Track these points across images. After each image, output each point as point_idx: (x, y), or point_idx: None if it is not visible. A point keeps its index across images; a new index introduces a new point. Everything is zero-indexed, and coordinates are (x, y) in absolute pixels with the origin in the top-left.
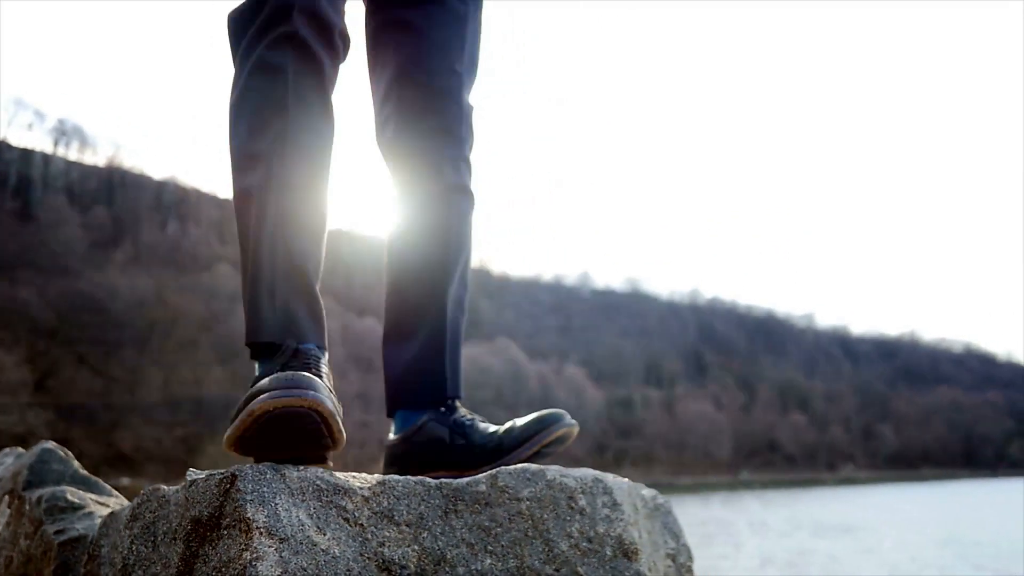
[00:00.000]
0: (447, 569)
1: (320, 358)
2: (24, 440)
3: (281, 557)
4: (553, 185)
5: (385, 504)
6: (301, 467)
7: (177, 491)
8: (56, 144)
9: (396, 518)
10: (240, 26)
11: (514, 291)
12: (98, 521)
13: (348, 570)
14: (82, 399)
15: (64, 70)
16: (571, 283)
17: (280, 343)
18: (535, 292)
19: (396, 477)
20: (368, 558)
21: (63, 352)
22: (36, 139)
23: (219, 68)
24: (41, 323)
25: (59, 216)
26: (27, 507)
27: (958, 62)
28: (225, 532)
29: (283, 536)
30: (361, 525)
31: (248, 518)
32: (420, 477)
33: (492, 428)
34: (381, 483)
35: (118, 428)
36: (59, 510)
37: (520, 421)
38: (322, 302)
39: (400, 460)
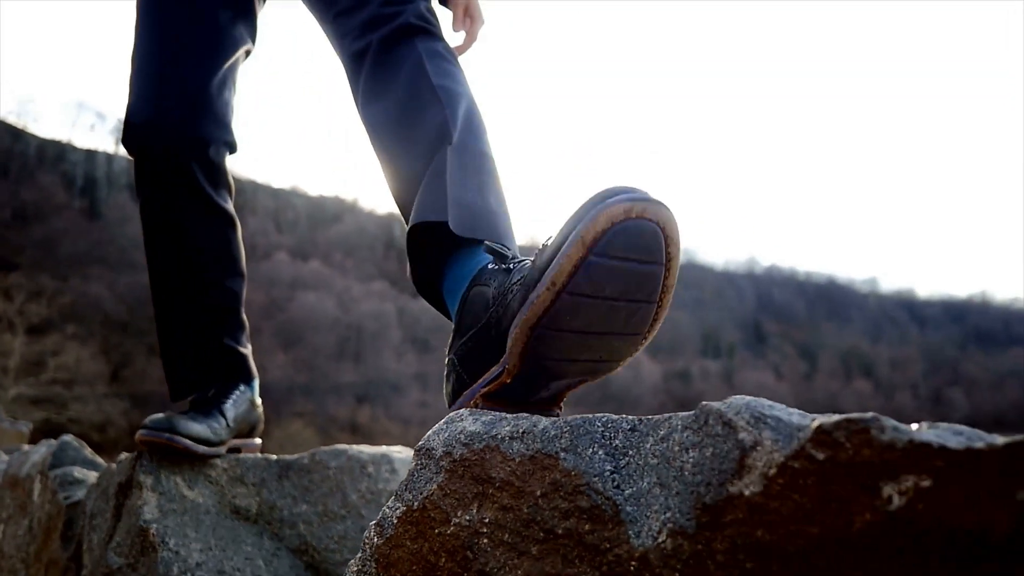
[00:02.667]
0: (277, 512)
1: (228, 395)
2: (103, 428)
3: (159, 504)
4: (603, 153)
5: (239, 472)
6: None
7: (115, 465)
8: (118, 143)
9: (246, 480)
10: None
11: None
12: None
13: (207, 511)
14: (154, 388)
15: (122, 70)
16: None
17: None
18: None
19: (248, 456)
20: (224, 505)
21: (134, 344)
22: (99, 139)
23: (267, 64)
24: (113, 316)
25: (124, 213)
26: (49, 482)
27: None
28: (133, 490)
29: (161, 491)
30: (221, 485)
31: (141, 481)
32: (264, 455)
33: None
34: (237, 460)
35: None
36: (68, 483)
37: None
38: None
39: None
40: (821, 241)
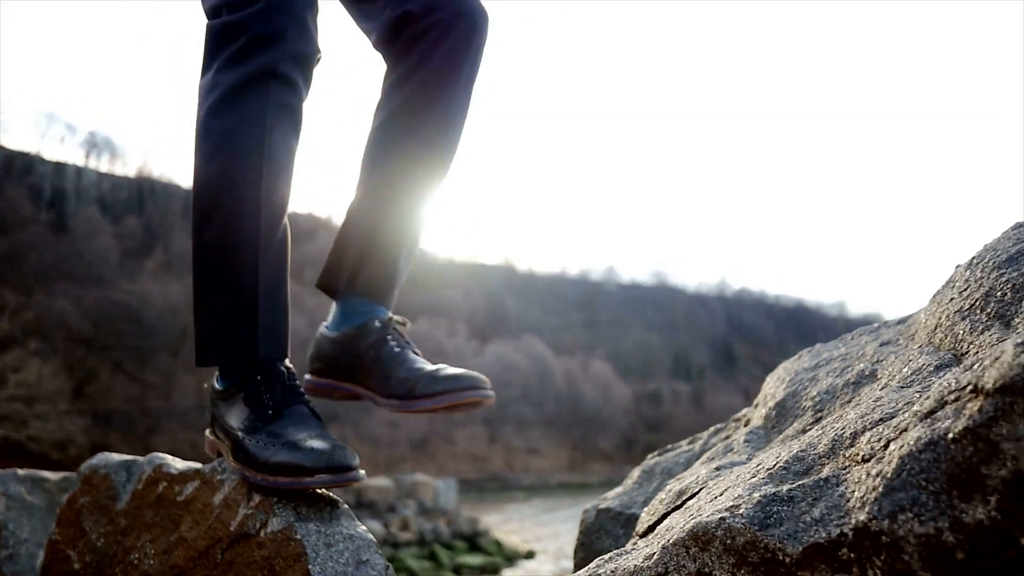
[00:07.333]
0: None
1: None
2: (64, 446)
3: (6, 503)
4: (577, 179)
5: (66, 484)
6: (33, 470)
7: None
8: (88, 156)
9: (70, 489)
10: (223, 40)
11: (539, 287)
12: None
13: (39, 508)
14: (119, 405)
15: (93, 82)
16: (597, 278)
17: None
18: (561, 287)
19: (73, 474)
20: (53, 506)
21: (99, 360)
22: (68, 152)
23: None
24: (77, 332)
25: (92, 227)
26: None
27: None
28: None
29: (10, 496)
30: (51, 492)
31: None
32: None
33: (417, 365)
34: (66, 476)
35: (154, 433)
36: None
37: (446, 371)
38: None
39: (326, 359)
40: (791, 265)
